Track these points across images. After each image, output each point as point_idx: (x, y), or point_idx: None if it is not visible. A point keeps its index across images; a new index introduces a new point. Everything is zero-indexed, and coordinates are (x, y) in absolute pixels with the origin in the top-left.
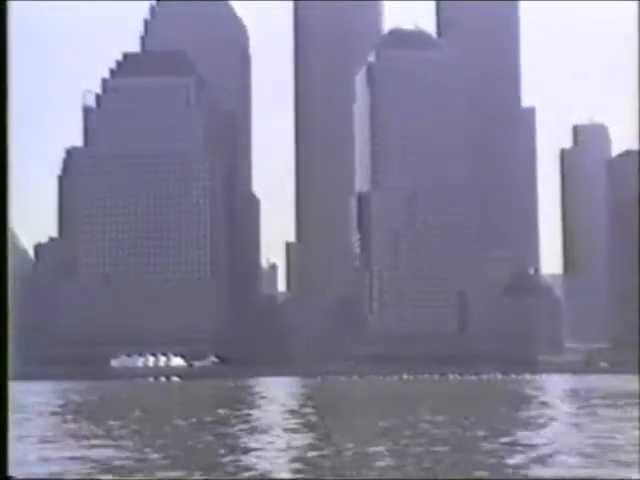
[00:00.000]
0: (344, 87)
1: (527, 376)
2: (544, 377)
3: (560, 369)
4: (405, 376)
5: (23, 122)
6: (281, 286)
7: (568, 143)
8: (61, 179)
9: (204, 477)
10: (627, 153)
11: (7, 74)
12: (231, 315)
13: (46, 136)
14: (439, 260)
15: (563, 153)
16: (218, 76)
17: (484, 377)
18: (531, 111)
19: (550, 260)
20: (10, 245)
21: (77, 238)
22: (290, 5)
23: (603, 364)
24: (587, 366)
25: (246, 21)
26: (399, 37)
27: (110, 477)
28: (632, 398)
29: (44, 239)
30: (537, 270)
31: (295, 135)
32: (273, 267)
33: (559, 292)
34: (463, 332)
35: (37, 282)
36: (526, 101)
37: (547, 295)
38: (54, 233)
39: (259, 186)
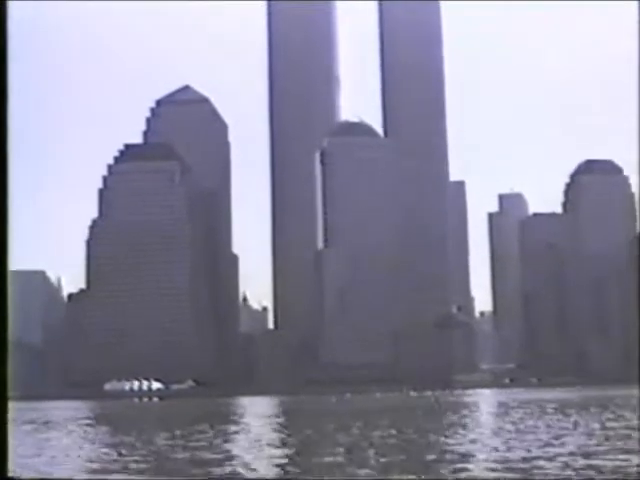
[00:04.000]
0: (307, 165)
1: (445, 392)
2: (457, 392)
3: (471, 386)
4: (348, 395)
5: (59, 201)
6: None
7: (495, 208)
8: (88, 243)
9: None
10: (534, 215)
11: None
12: (211, 349)
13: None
14: (380, 302)
15: (490, 216)
16: (202, 160)
17: (412, 394)
18: (461, 184)
19: (483, 301)
20: (55, 294)
21: (97, 289)
22: (265, 97)
23: (505, 381)
24: (492, 382)
25: (226, 117)
26: (346, 127)
27: (112, 476)
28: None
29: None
30: (460, 309)
31: (271, 205)
32: (265, 309)
33: (488, 326)
34: (398, 359)
35: (68, 321)
36: (462, 176)
37: (465, 328)
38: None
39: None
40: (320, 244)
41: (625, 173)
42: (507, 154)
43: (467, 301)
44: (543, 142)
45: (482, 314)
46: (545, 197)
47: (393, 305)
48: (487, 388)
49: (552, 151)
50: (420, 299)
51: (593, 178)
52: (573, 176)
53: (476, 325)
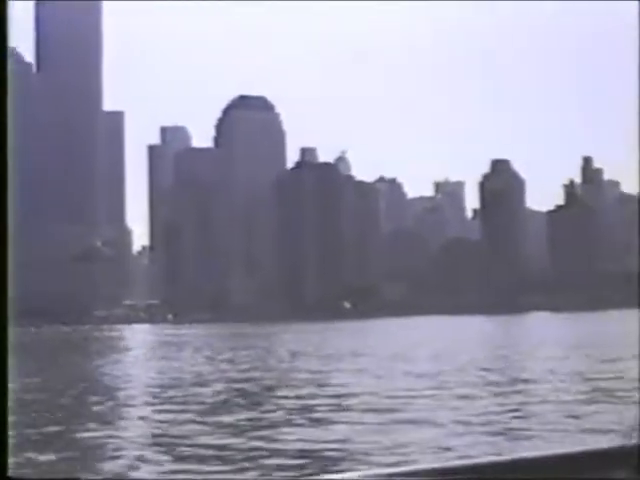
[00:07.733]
0: None
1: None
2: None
3: (109, 322)
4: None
5: None
6: None
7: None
8: None
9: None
10: (189, 149)
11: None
12: None
13: None
14: (21, 233)
15: (150, 148)
16: None
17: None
18: (119, 114)
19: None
20: None
21: None
22: None
23: (142, 316)
24: (129, 318)
25: None
26: None
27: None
28: None
29: None
30: (104, 243)
31: None
32: None
33: (146, 261)
34: (34, 293)
35: None
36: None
37: (110, 263)
38: None
39: None
40: None
41: (277, 111)
42: (170, 84)
43: (122, 234)
44: (205, 75)
45: (144, 248)
46: (209, 131)
47: (34, 237)
48: (124, 324)
49: (213, 84)
50: (62, 232)
51: (245, 114)
52: (225, 111)
53: (134, 259)
